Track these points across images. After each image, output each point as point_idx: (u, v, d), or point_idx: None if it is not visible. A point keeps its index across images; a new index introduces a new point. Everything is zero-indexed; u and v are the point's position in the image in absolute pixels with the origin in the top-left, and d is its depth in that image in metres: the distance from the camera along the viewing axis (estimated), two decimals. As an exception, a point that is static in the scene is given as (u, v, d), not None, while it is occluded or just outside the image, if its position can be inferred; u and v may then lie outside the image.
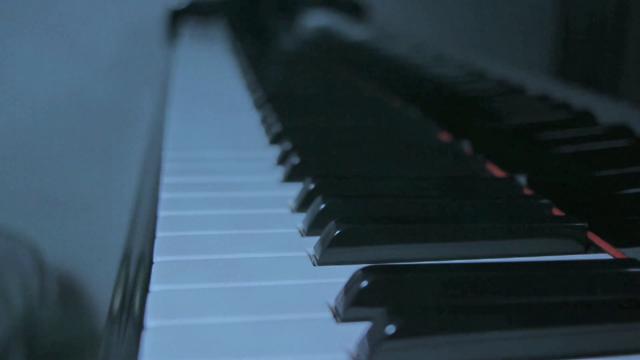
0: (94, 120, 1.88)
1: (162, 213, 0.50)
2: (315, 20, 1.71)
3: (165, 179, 0.57)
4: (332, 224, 0.43)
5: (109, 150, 1.89)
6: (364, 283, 0.35)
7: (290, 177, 0.57)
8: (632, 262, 0.39)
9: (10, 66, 1.83)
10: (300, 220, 0.49)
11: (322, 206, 0.46)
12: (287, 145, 0.62)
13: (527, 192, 0.54)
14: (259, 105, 0.84)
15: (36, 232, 1.82)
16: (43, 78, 1.84)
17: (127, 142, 1.87)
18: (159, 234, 0.46)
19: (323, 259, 0.42)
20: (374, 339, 0.31)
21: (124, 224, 0.55)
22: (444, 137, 0.70)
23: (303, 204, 0.50)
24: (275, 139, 0.68)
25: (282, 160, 0.61)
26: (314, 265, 0.42)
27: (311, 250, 0.44)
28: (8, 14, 1.80)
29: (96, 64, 1.86)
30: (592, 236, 0.46)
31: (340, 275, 0.39)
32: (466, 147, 0.66)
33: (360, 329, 0.34)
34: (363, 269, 0.36)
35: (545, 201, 0.50)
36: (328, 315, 0.36)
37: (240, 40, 1.44)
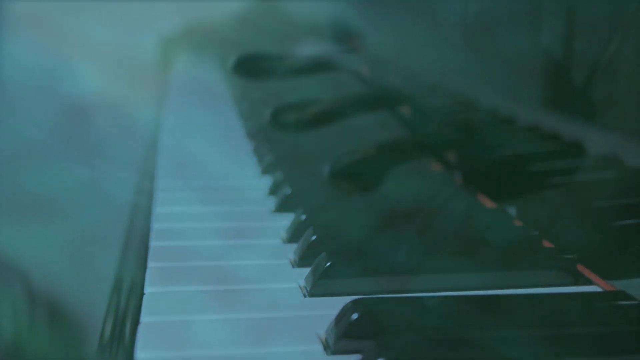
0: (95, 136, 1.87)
1: (153, 243, 0.50)
2: (308, 49, 1.72)
3: (157, 209, 0.57)
4: (322, 255, 0.43)
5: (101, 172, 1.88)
6: (354, 315, 0.35)
7: (282, 207, 0.57)
8: (621, 295, 0.39)
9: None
10: (292, 251, 0.49)
11: (313, 237, 0.47)
12: (279, 175, 0.62)
13: (518, 223, 0.54)
14: (251, 134, 0.84)
15: (26, 259, 1.82)
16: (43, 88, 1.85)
17: (123, 159, 1.86)
18: (151, 264, 0.46)
19: (314, 290, 0.42)
20: (364, 372, 0.31)
21: (116, 252, 0.55)
22: (435, 168, 0.70)
23: (294, 235, 0.50)
24: (267, 169, 0.68)
25: (273, 190, 0.61)
26: (305, 296, 0.42)
27: (302, 282, 0.44)
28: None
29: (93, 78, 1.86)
30: (581, 268, 0.46)
31: (331, 307, 0.39)
32: (457, 178, 0.66)
33: (350, 361, 0.34)
34: (353, 301, 0.36)
35: (535, 233, 0.50)
36: (319, 347, 0.36)
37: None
